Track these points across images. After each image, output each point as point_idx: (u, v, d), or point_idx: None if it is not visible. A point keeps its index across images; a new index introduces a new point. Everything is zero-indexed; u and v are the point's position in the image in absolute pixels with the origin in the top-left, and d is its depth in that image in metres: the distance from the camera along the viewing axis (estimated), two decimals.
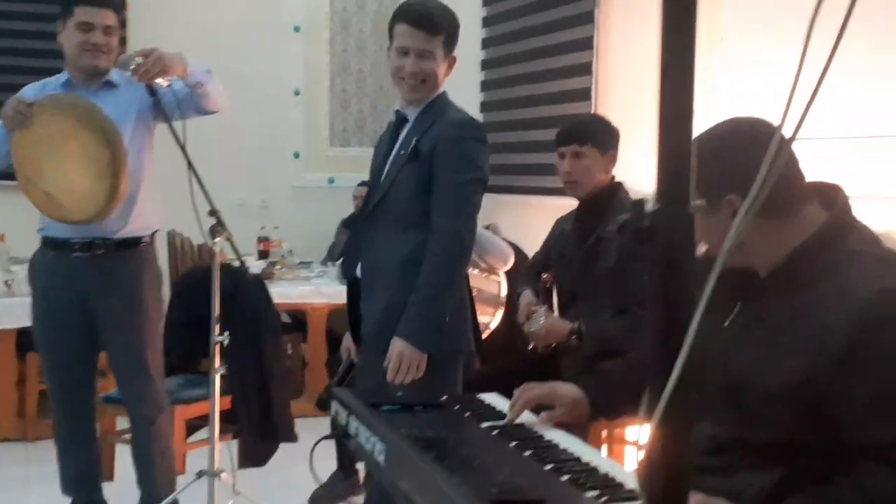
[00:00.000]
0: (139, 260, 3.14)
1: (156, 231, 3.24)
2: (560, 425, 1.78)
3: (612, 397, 1.89)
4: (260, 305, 3.68)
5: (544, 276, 3.15)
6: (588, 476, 1.46)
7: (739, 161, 1.54)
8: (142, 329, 3.11)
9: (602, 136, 3.08)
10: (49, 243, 3.12)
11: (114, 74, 3.10)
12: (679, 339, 0.87)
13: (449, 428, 1.66)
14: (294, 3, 6.42)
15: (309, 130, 6.55)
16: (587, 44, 4.65)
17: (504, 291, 3.50)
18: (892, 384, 1.43)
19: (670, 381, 0.87)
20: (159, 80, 2.94)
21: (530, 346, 3.07)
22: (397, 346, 2.43)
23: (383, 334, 2.50)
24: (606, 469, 1.51)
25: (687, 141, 0.92)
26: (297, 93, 6.47)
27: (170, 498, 3.15)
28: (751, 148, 1.48)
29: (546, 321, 2.99)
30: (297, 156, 6.53)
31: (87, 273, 3.06)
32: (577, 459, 1.56)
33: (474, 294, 3.44)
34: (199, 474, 3.14)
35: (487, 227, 4.21)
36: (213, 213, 2.88)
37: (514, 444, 1.63)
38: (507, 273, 3.55)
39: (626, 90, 4.36)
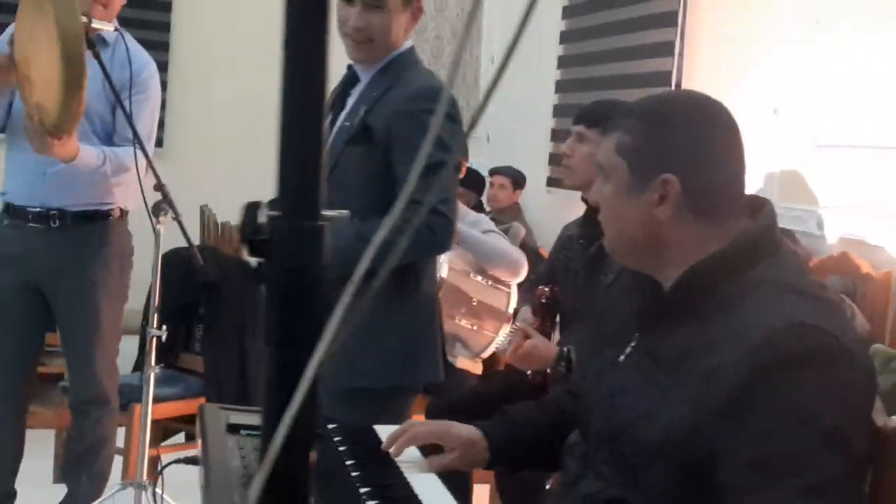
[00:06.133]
0: (100, 237, 2.86)
1: (125, 211, 2.95)
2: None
3: (515, 443, 1.59)
4: (245, 294, 3.21)
5: (539, 289, 2.71)
6: None
7: (688, 139, 1.34)
8: (92, 312, 2.82)
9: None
10: (7, 209, 2.87)
11: None
12: (295, 381, 0.70)
13: None
14: None
15: None
16: (671, 20, 3.96)
17: (514, 305, 3.21)
18: (776, 445, 1.19)
19: (277, 436, 0.67)
20: None
21: (529, 373, 2.62)
22: None
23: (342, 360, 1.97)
24: None
25: (316, 140, 0.76)
26: None
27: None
28: (704, 128, 1.35)
29: (530, 342, 2.46)
30: None
31: (41, 246, 2.81)
32: None
33: (474, 304, 3.16)
34: (123, 485, 2.74)
35: (506, 229, 3.78)
36: (160, 188, 2.60)
37: (365, 489, 1.42)
38: (521, 285, 3.25)
39: (713, 74, 3.72)
